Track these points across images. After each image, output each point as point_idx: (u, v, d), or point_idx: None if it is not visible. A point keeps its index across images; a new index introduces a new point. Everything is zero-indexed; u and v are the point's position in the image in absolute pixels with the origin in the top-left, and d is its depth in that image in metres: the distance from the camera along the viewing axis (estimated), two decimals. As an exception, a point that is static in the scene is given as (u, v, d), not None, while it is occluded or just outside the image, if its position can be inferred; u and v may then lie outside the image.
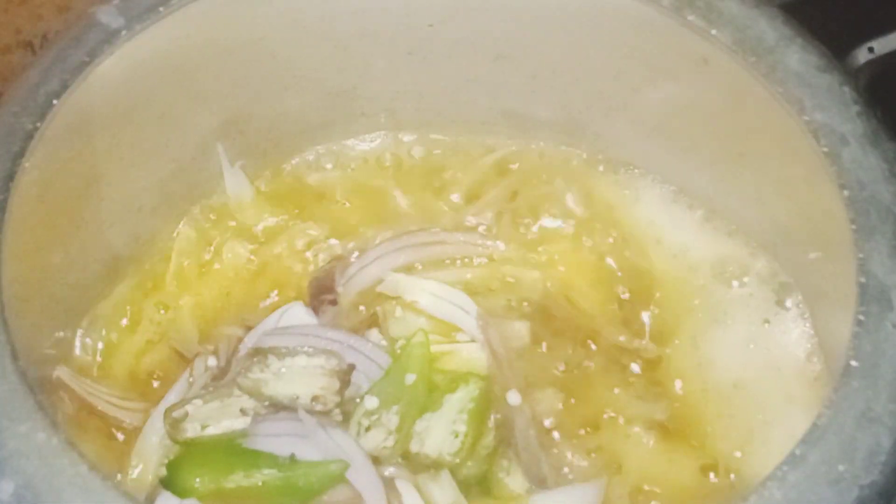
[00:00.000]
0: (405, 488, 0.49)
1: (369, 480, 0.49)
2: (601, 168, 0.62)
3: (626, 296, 0.58)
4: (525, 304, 0.58)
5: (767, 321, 0.56)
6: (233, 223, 0.62)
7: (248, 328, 0.56)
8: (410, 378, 0.52)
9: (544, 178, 0.63)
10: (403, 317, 0.56)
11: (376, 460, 0.50)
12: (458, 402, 0.52)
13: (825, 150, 0.48)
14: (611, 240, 0.60)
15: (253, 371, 0.51)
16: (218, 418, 0.51)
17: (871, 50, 0.69)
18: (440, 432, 0.51)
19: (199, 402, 0.52)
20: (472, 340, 0.55)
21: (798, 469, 0.40)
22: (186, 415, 0.51)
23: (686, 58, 0.54)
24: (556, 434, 0.53)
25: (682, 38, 0.52)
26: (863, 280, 0.44)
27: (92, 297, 0.58)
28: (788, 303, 0.56)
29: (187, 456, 0.51)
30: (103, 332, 0.58)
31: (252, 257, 0.61)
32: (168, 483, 0.50)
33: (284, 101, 0.61)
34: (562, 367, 0.56)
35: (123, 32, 0.52)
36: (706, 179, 0.59)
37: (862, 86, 0.52)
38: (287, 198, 0.63)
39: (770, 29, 0.51)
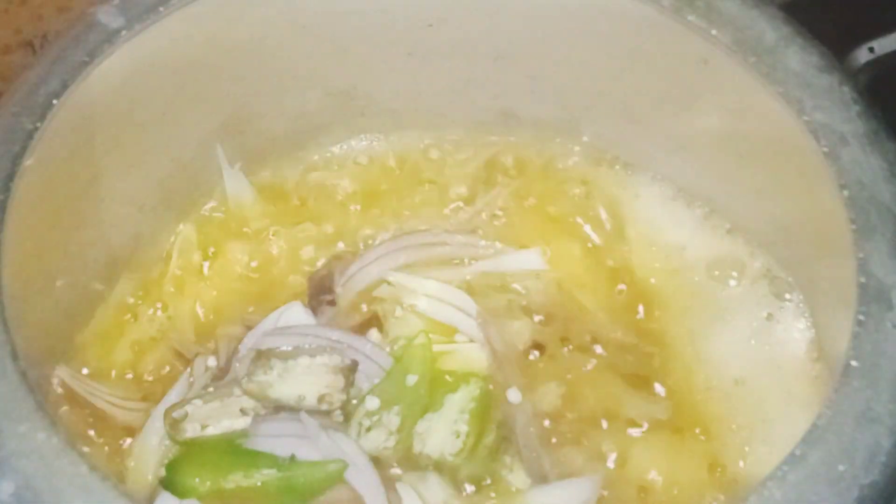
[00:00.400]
0: (405, 490, 0.49)
1: (369, 481, 0.49)
2: (601, 167, 0.62)
3: (626, 294, 0.58)
4: (525, 303, 0.58)
5: (767, 319, 0.56)
6: (232, 223, 0.62)
7: (248, 328, 0.56)
8: (412, 379, 0.52)
9: (544, 177, 0.63)
10: (403, 317, 0.56)
11: (377, 461, 0.50)
12: (459, 403, 0.52)
13: (825, 150, 0.48)
14: (611, 239, 0.60)
15: (257, 374, 0.51)
16: (218, 418, 0.51)
17: (871, 50, 0.69)
18: (442, 433, 0.51)
19: (199, 402, 0.52)
20: (472, 340, 0.55)
21: (798, 469, 0.40)
22: (186, 415, 0.51)
23: (686, 58, 0.54)
24: (556, 432, 0.53)
25: (682, 38, 0.52)
26: (863, 280, 0.44)
27: (92, 297, 0.58)
28: (788, 301, 0.56)
29: (187, 456, 0.51)
30: (103, 332, 0.58)
31: (251, 257, 0.61)
32: (168, 483, 0.50)
33: (284, 101, 0.61)
34: (562, 366, 0.56)
35: (123, 32, 0.52)
36: (706, 179, 0.59)
37: (862, 86, 0.52)
38: (286, 198, 0.63)
39: (770, 29, 0.51)
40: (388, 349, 0.54)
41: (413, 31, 0.59)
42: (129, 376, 0.57)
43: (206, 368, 0.55)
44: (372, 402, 0.51)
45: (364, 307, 0.57)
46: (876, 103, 0.50)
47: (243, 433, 0.51)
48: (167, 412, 0.52)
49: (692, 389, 0.55)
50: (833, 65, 0.51)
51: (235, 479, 0.49)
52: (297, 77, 0.60)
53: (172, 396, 0.54)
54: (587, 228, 0.61)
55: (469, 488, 0.51)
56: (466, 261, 0.59)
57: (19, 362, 0.43)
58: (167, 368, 0.57)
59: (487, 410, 0.52)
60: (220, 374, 0.55)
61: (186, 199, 0.62)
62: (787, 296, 0.57)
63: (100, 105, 0.53)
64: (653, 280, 0.59)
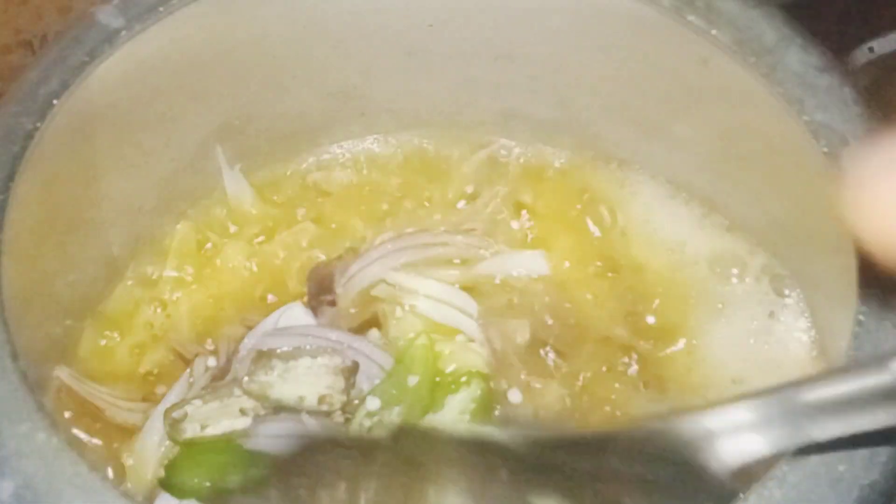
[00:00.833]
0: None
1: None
2: (601, 167, 0.62)
3: (626, 293, 0.58)
4: (525, 302, 0.58)
5: (767, 317, 0.56)
6: (232, 224, 0.62)
7: (248, 328, 0.56)
8: (413, 380, 0.52)
9: (544, 177, 0.63)
10: (404, 317, 0.56)
11: (377, 460, 0.50)
12: (459, 403, 0.52)
13: (825, 150, 0.48)
14: (610, 237, 0.60)
15: (258, 375, 0.51)
16: (218, 418, 0.51)
17: (871, 50, 0.69)
18: (442, 433, 0.51)
19: (198, 402, 0.52)
20: (472, 340, 0.55)
21: (798, 469, 0.40)
22: (186, 415, 0.51)
23: (686, 58, 0.53)
24: (556, 433, 0.53)
25: (682, 38, 0.52)
26: (863, 280, 0.44)
27: (92, 297, 0.58)
28: (788, 299, 0.56)
29: (187, 456, 0.51)
30: (103, 332, 0.58)
31: (251, 258, 0.61)
32: (167, 484, 0.50)
33: (284, 101, 0.61)
34: (562, 365, 0.56)
35: (123, 32, 0.52)
36: (706, 179, 0.59)
37: (862, 86, 0.52)
38: (286, 198, 0.63)
39: (770, 29, 0.51)
40: (388, 350, 0.54)
41: (413, 32, 0.59)
42: (129, 376, 0.57)
43: (206, 368, 0.55)
44: (373, 403, 0.51)
45: (365, 307, 0.57)
46: (876, 103, 0.50)
47: (243, 433, 0.51)
48: (167, 412, 0.52)
49: (692, 387, 0.55)
50: (833, 65, 0.50)
51: (235, 479, 0.49)
52: (297, 77, 0.60)
53: (172, 396, 0.54)
54: (587, 228, 0.61)
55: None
56: (467, 261, 0.59)
57: (19, 362, 0.43)
58: (167, 368, 0.57)
59: (488, 411, 0.52)
60: (220, 375, 0.55)
61: (186, 200, 0.62)
62: (788, 294, 0.57)
63: (100, 105, 0.53)
64: (653, 279, 0.59)
